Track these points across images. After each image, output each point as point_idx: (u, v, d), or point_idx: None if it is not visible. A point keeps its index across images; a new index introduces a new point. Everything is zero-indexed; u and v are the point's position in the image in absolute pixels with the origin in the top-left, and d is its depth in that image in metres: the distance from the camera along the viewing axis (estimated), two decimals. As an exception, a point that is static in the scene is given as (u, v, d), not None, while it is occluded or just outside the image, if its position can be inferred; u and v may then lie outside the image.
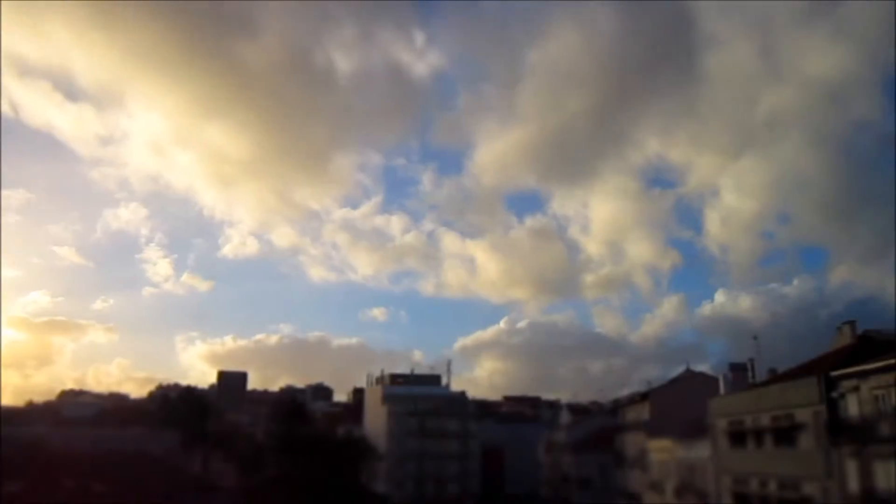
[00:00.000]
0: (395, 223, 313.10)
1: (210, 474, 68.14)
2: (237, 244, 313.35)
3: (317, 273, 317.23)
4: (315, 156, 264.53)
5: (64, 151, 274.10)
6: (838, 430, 33.85)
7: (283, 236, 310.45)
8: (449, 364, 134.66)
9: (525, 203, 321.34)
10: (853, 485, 32.51)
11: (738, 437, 44.38)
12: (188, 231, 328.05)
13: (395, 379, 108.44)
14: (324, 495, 56.69)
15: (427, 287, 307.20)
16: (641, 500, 64.10)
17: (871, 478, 31.25)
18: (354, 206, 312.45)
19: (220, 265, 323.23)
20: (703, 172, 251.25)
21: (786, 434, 38.48)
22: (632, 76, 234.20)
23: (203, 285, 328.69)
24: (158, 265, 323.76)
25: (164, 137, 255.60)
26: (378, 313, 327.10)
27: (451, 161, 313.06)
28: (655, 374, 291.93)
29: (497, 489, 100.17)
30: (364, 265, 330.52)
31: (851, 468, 32.73)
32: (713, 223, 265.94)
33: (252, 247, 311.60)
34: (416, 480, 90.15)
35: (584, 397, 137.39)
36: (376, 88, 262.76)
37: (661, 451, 59.11)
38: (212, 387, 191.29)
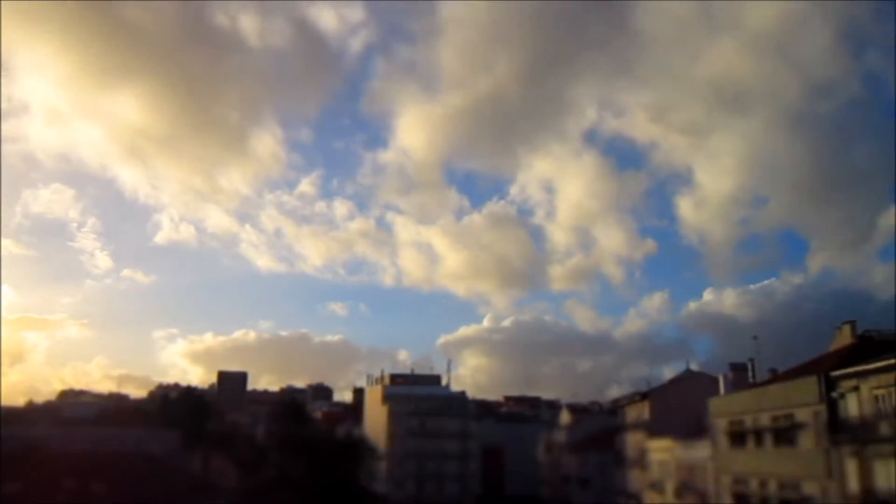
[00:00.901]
0: (337, 206, 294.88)
1: (210, 474, 67.92)
2: (169, 230, 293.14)
3: (263, 263, 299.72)
4: (234, 129, 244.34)
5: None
6: (838, 430, 33.89)
7: (218, 222, 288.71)
8: (449, 364, 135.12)
9: (483, 186, 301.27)
10: (853, 485, 32.55)
11: (738, 437, 44.42)
12: (113, 215, 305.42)
13: (395, 379, 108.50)
14: (324, 495, 56.66)
15: (386, 279, 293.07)
16: (641, 500, 64.11)
17: (871, 478, 31.29)
18: (291, 187, 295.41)
19: (157, 255, 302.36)
20: (672, 153, 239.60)
21: (786, 434, 38.54)
22: (561, 33, 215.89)
23: (145, 278, 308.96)
24: (96, 256, 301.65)
25: (63, 108, 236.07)
26: (338, 308, 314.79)
27: (382, 134, 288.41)
28: (642, 371, 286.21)
29: (497, 489, 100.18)
30: (313, 254, 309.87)
31: (851, 468, 32.77)
32: (686, 209, 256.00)
33: (186, 233, 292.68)
34: (416, 480, 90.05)
35: (581, 396, 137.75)
36: (287, 51, 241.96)
37: (661, 451, 59.12)
38: (211, 386, 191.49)
